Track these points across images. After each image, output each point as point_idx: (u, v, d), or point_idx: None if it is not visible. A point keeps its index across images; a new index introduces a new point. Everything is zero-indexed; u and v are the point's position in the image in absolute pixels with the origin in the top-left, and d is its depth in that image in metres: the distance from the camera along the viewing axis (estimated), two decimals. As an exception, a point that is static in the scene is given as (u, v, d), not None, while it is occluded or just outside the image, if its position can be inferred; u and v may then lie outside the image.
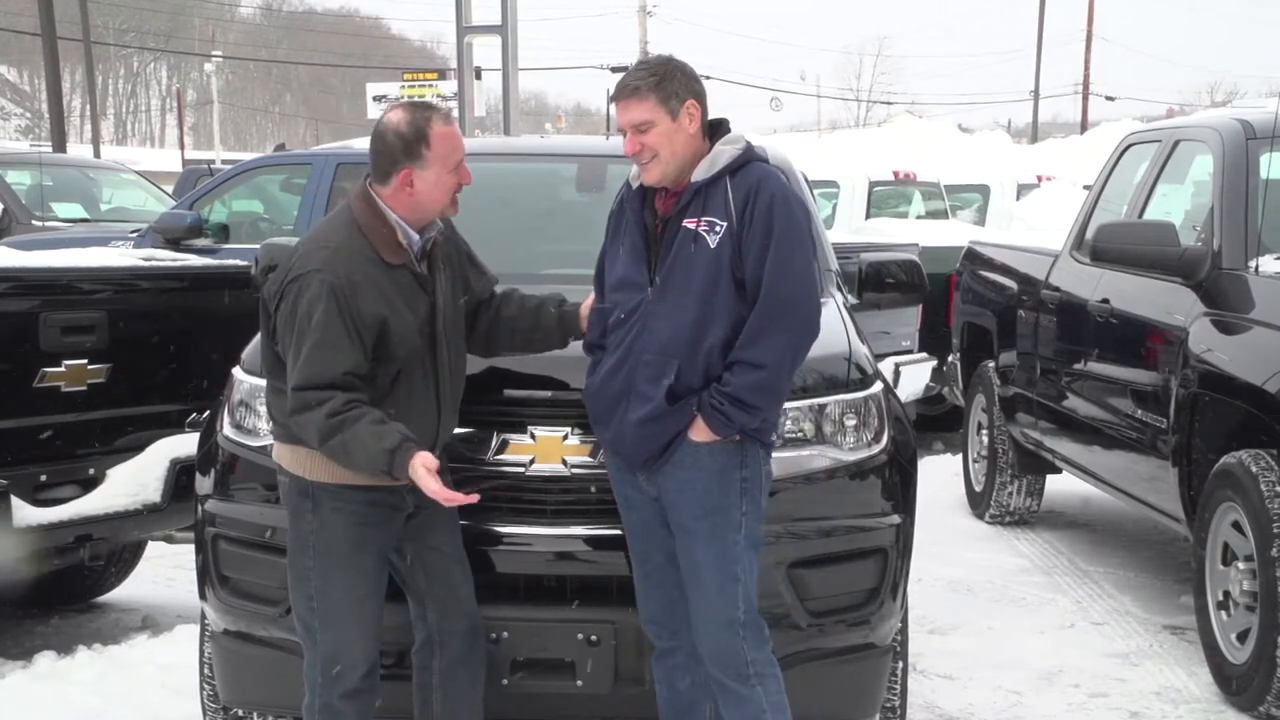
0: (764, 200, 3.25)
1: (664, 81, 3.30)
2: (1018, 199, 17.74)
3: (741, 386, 3.21)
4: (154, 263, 5.75)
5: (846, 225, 14.15)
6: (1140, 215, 6.22)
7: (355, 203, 3.33)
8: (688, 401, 3.26)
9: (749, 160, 3.33)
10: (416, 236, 3.33)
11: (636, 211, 3.41)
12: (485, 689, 3.53)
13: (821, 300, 4.16)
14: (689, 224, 3.28)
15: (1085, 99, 44.72)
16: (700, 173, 3.31)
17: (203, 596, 3.82)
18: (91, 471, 5.05)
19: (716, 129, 3.39)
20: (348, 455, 3.16)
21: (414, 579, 3.47)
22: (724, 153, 3.32)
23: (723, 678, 3.33)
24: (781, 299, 3.22)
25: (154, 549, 6.02)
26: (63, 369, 4.90)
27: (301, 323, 3.18)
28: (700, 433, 3.26)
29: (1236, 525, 4.76)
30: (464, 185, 3.36)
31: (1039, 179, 18.95)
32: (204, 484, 3.86)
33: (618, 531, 3.53)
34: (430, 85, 24.18)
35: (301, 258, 3.24)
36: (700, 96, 3.34)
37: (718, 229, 3.26)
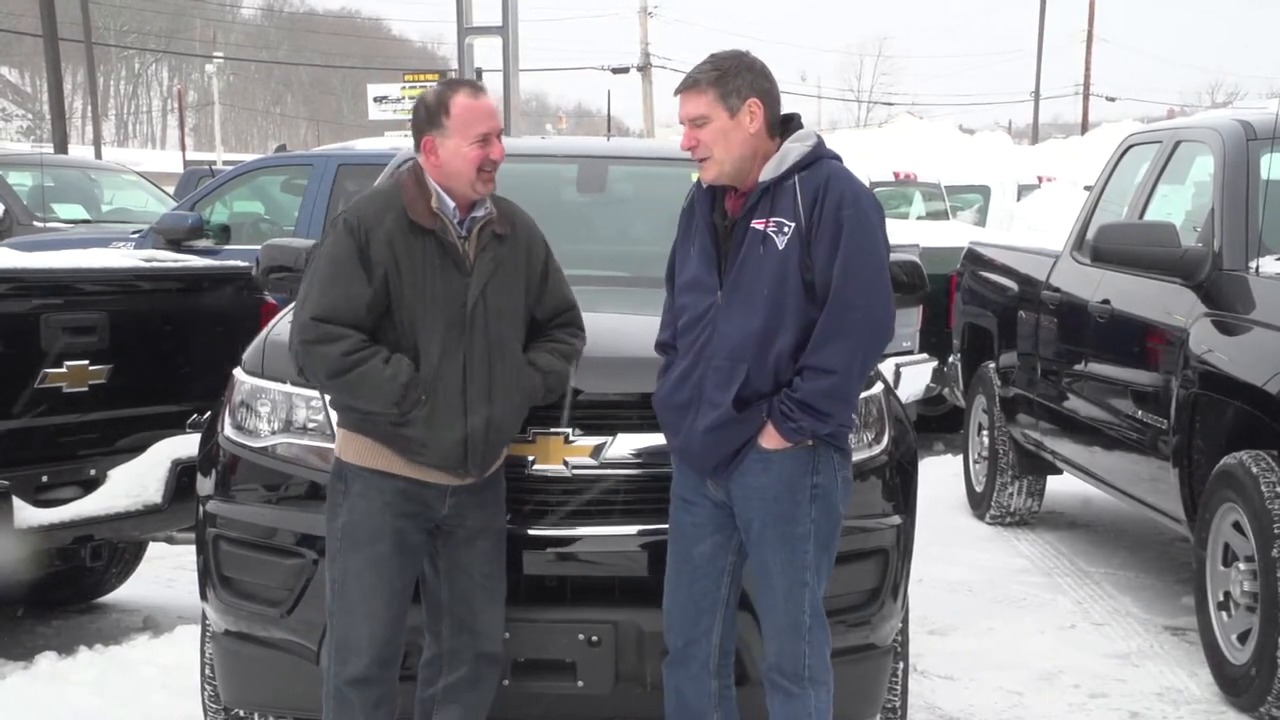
0: (833, 199, 3.17)
1: (725, 77, 3.24)
2: (1018, 200, 17.78)
3: (812, 392, 3.14)
4: (155, 264, 5.74)
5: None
6: (1141, 216, 6.22)
7: (408, 169, 3.44)
8: (757, 408, 3.20)
9: (819, 158, 3.25)
10: (452, 205, 3.35)
11: (706, 212, 3.34)
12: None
13: None
14: (757, 225, 3.21)
15: (1086, 100, 44.71)
16: (768, 172, 3.24)
17: (204, 597, 3.82)
18: (92, 472, 5.04)
19: (788, 125, 3.32)
20: (360, 391, 3.24)
21: (437, 593, 3.46)
22: (793, 150, 3.25)
23: (778, 678, 3.32)
24: (851, 301, 3.13)
25: (155, 550, 6.02)
26: (64, 370, 4.90)
27: (319, 255, 3.33)
28: (771, 440, 3.20)
29: (1237, 526, 4.76)
30: (495, 161, 3.35)
31: (1039, 180, 18.99)
32: (205, 485, 3.86)
33: (618, 532, 3.53)
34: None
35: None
36: (765, 95, 3.26)
37: (786, 229, 3.18)
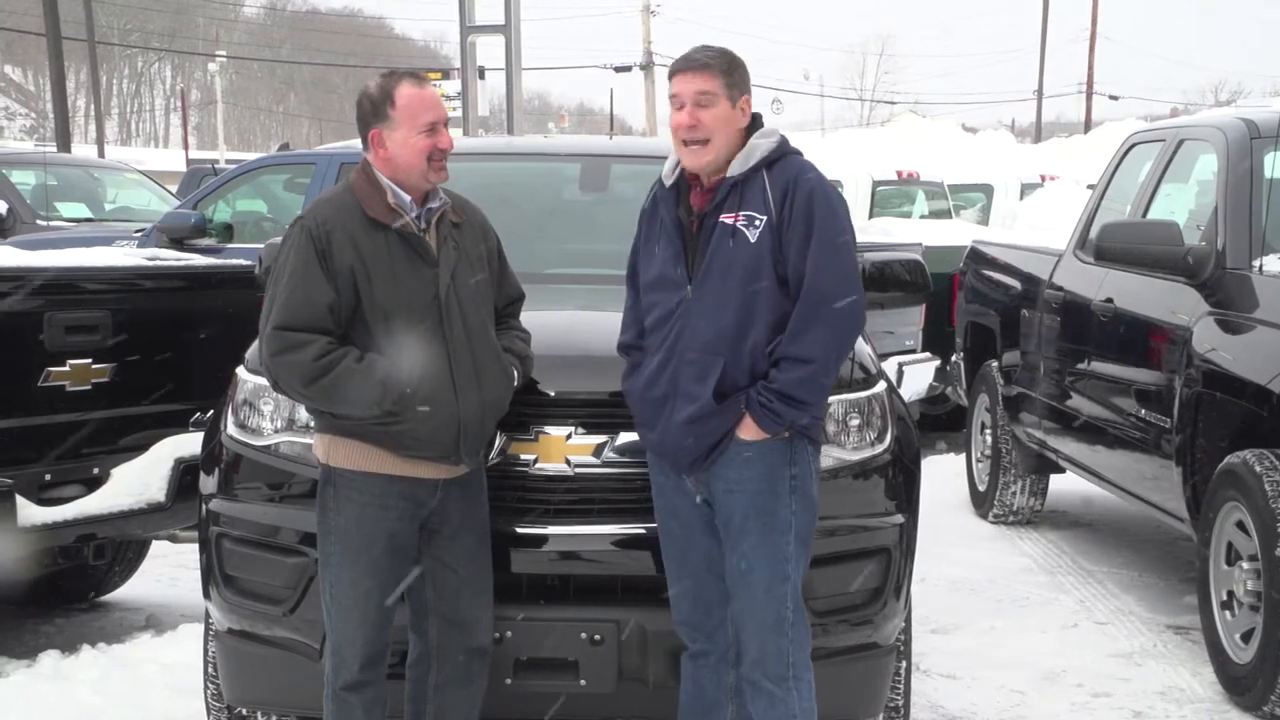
0: (804, 192, 3.23)
1: (733, 68, 3.32)
2: (1021, 198, 17.74)
3: (789, 382, 3.19)
4: (158, 262, 5.75)
5: (850, 225, 14.10)
6: (1144, 215, 6.21)
7: (354, 172, 3.42)
8: (735, 399, 3.24)
9: (785, 154, 3.32)
10: (408, 198, 3.35)
11: (671, 209, 3.38)
12: (489, 688, 3.52)
13: None
14: (726, 219, 3.26)
15: (1089, 98, 44.67)
16: (736, 167, 3.29)
17: (207, 596, 3.82)
18: (96, 471, 5.05)
19: (751, 124, 3.38)
20: (337, 394, 3.20)
21: (422, 592, 3.46)
22: (759, 146, 3.31)
23: (760, 679, 3.31)
24: (826, 292, 3.20)
25: (158, 548, 6.02)
26: (67, 368, 4.90)
27: (280, 264, 3.28)
28: (749, 431, 3.24)
29: (1240, 525, 4.75)
30: (443, 149, 3.36)
31: (1042, 178, 18.96)
32: (208, 483, 3.87)
33: (620, 531, 3.53)
34: (434, 85, 24.15)
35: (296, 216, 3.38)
36: (750, 96, 3.37)
37: (757, 223, 3.24)
